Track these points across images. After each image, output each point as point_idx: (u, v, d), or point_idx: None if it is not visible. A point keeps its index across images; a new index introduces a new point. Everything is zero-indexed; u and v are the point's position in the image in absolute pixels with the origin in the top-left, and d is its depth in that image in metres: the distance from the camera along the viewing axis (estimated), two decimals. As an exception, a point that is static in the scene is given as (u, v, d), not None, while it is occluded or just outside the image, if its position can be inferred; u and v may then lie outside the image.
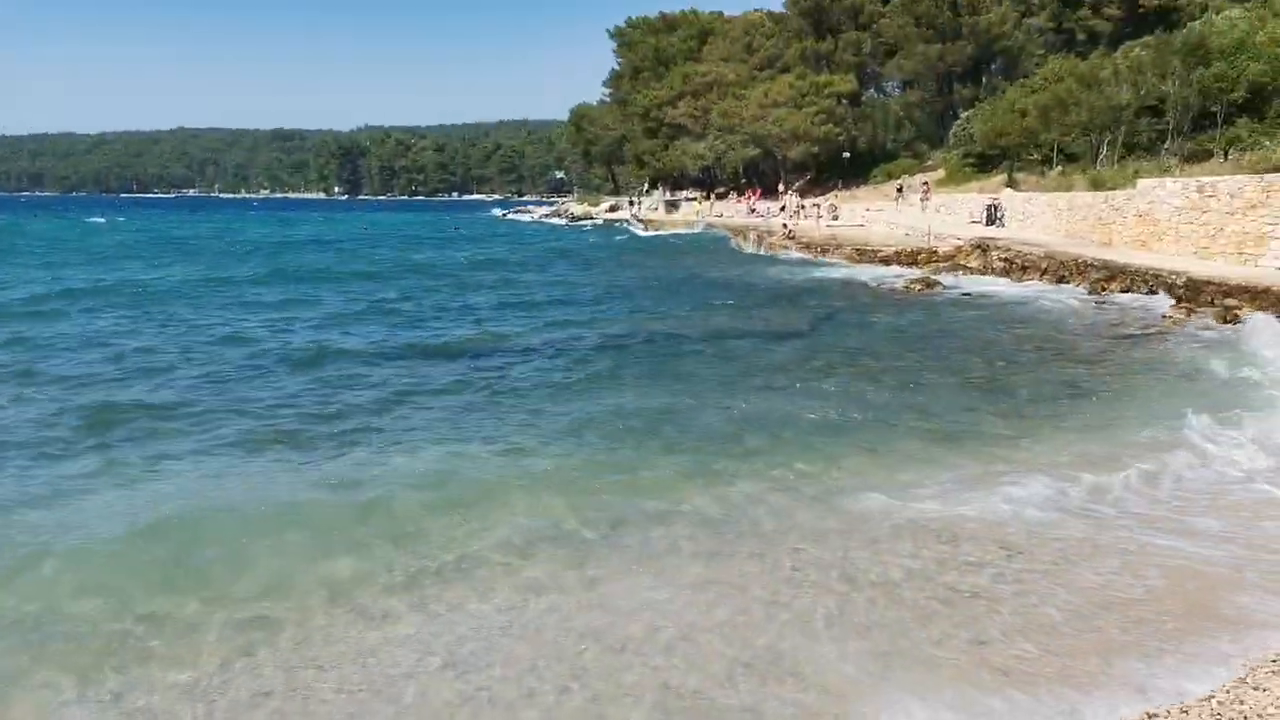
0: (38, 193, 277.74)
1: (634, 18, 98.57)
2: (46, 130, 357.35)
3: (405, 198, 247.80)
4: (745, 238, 47.10)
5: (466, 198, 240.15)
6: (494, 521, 8.05)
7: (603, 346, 17.70)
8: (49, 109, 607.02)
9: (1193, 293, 20.30)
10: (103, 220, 68.81)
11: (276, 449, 10.36)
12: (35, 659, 5.94)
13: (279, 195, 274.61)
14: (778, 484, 9.11)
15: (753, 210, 61.57)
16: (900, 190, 49.53)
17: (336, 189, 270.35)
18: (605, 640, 6.13)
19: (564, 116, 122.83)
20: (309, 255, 44.88)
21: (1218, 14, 39.17)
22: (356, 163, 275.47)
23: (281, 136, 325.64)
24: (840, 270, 31.98)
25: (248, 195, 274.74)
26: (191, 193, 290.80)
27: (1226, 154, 30.58)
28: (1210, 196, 23.22)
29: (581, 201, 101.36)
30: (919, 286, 26.22)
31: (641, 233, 62.94)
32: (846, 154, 67.60)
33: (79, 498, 8.71)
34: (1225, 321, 18.27)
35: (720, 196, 74.69)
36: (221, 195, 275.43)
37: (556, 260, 40.20)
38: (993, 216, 37.03)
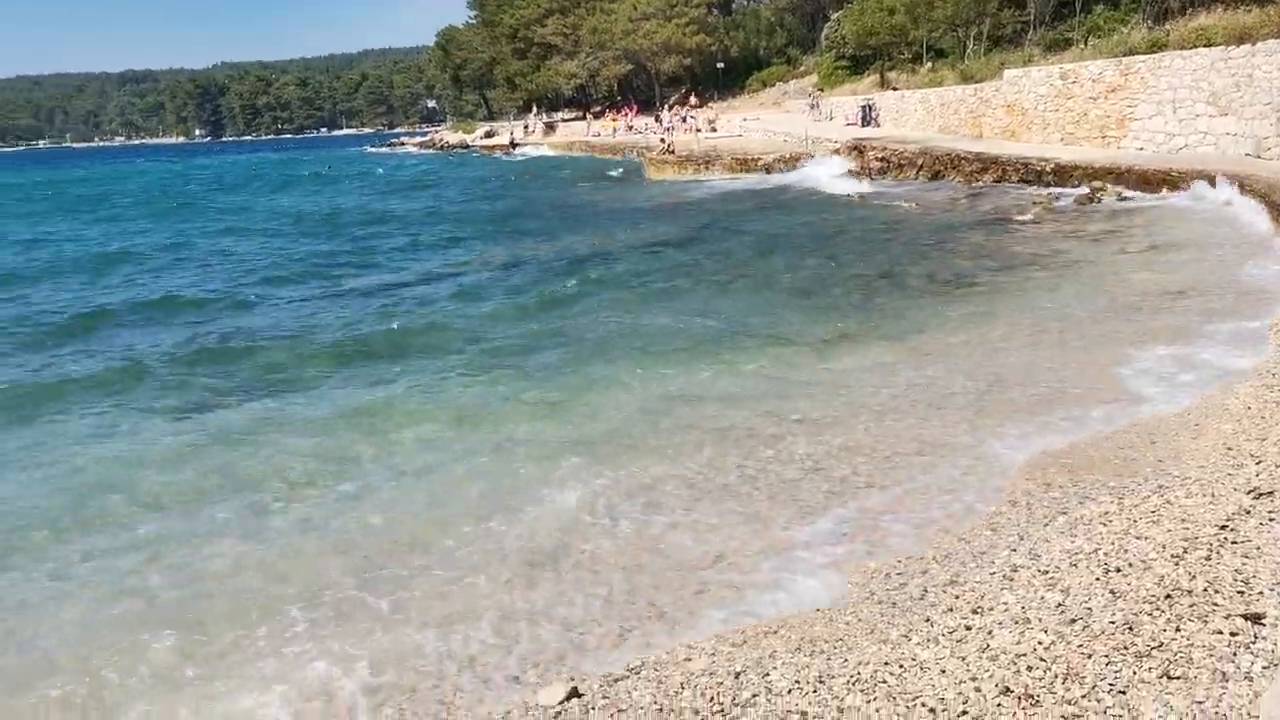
0: None
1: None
2: None
3: (271, 137, 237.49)
4: (625, 155, 46.64)
5: (336, 133, 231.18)
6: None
7: (493, 279, 17.46)
8: None
9: (1061, 178, 20.90)
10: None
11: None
12: None
13: (136, 142, 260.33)
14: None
15: (630, 127, 60.93)
16: (812, 99, 48.71)
17: (197, 131, 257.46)
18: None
19: (431, 42, 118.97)
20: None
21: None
22: (217, 103, 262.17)
23: (132, 79, 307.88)
24: (721, 182, 31.94)
25: (103, 143, 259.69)
26: (43, 144, 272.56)
27: (1087, 41, 31.28)
28: (1073, 83, 23.81)
29: (456, 129, 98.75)
30: (801, 191, 26.37)
31: (521, 158, 61.83)
32: (720, 64, 67.21)
33: None
34: (1090, 202, 18.87)
35: (596, 115, 73.70)
36: (75, 145, 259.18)
37: (437, 207, 38.39)
38: (868, 117, 37.41)
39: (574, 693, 4.69)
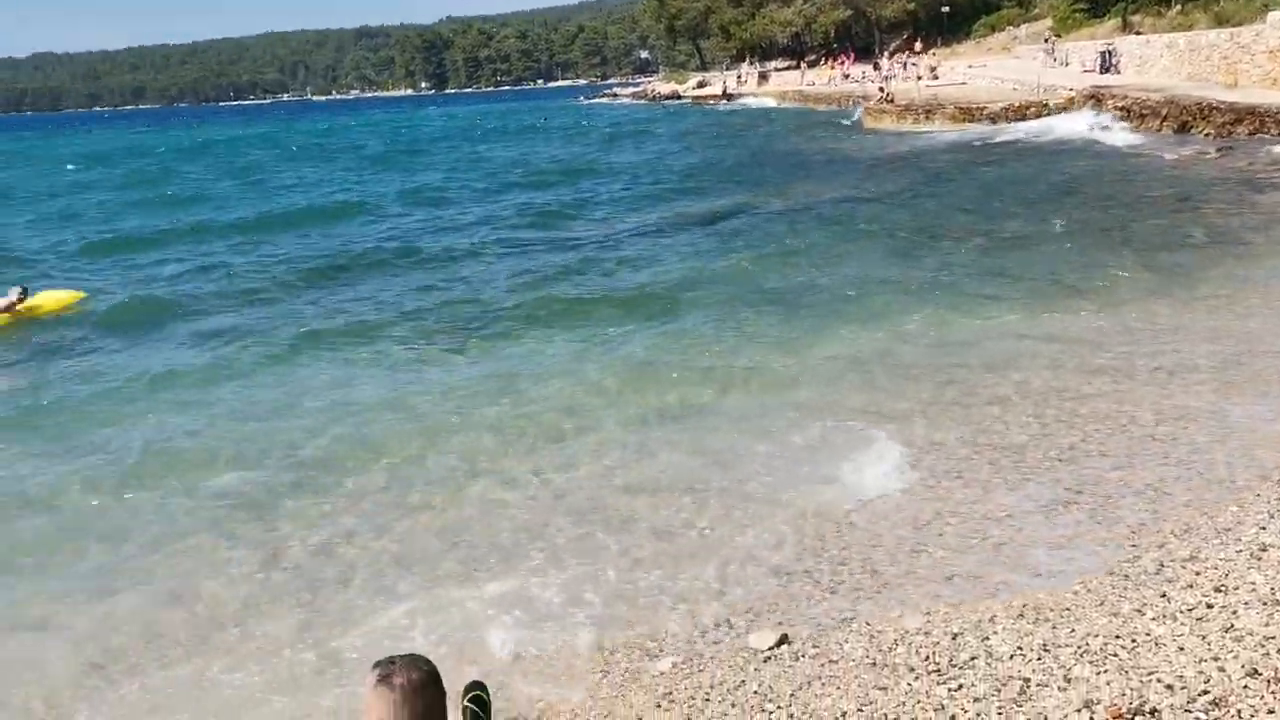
0: (140, 106, 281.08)
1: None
2: (142, 43, 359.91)
3: (491, 89, 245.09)
4: (841, 105, 45.51)
5: (551, 84, 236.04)
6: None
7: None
8: (141, 20, 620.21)
9: (1331, 130, 18.94)
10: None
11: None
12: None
13: (369, 94, 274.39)
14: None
15: (847, 76, 59.21)
16: (1049, 44, 45.52)
17: (423, 84, 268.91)
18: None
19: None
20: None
21: None
22: (441, 56, 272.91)
23: (366, 34, 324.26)
24: (944, 133, 30.66)
25: (339, 96, 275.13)
26: (286, 97, 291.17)
27: (1368, -24, 28.00)
28: (1352, 23, 21.42)
29: (668, 80, 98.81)
30: (1032, 143, 25.00)
31: (735, 108, 61.22)
32: (945, 8, 64.03)
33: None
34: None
35: (811, 64, 71.96)
36: (315, 98, 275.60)
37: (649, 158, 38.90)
38: (1107, 64, 34.89)
39: (784, 639, 4.76)
